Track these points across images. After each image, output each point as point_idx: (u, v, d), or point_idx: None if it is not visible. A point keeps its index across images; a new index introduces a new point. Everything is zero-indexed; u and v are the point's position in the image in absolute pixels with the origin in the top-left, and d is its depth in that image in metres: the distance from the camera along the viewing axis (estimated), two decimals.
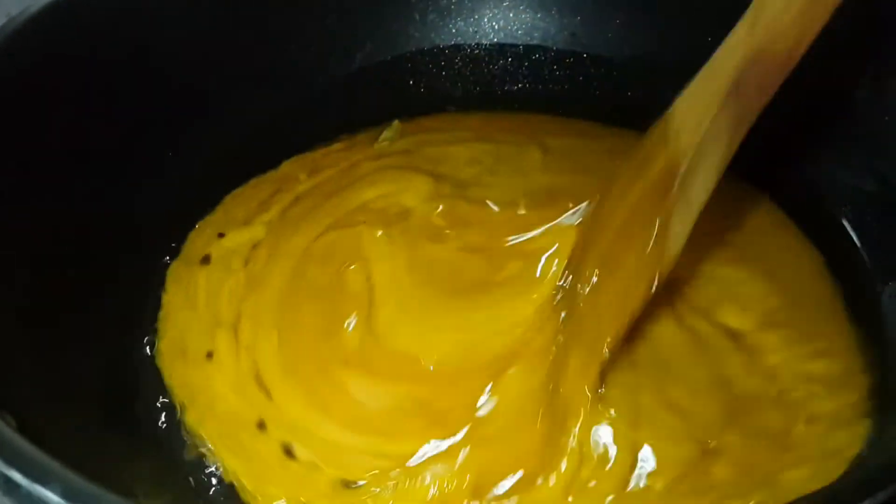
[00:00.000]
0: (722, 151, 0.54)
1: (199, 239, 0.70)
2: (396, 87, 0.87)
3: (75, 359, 0.59)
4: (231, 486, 0.55)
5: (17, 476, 0.38)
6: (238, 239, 0.69)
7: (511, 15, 0.88)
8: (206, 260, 0.68)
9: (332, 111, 0.83)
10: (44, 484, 0.38)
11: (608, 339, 0.56)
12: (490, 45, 0.88)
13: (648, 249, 0.55)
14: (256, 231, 0.69)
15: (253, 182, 0.75)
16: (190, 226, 0.72)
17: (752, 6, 0.51)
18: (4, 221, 0.59)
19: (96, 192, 0.67)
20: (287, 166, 0.77)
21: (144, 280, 0.68)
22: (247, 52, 0.80)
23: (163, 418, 0.59)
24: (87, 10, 0.68)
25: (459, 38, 0.88)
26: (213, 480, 0.56)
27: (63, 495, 0.38)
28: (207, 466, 0.57)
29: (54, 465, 0.39)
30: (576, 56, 0.87)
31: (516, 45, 0.88)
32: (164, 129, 0.74)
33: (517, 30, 0.88)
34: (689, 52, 0.80)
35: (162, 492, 0.55)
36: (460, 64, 0.88)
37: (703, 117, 0.53)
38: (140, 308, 0.66)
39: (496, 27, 0.89)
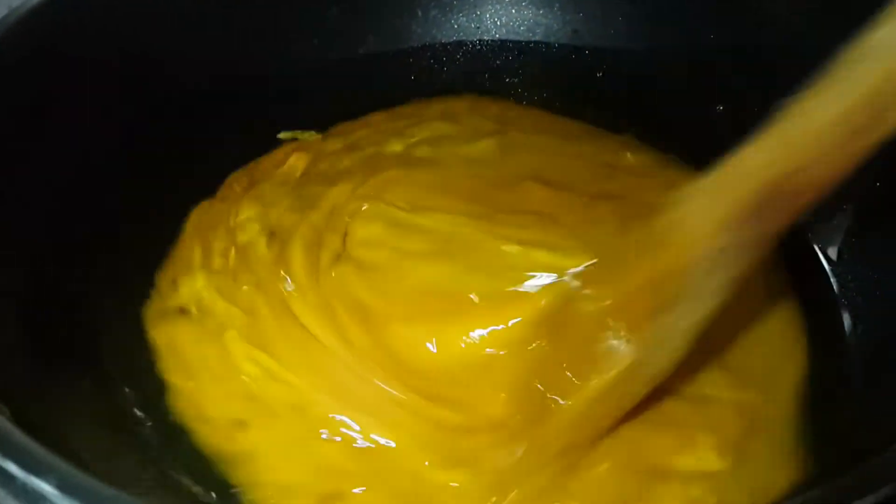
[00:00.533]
0: (729, 274, 0.49)
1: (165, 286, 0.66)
2: (397, 82, 0.86)
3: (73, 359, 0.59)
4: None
5: (12, 468, 0.38)
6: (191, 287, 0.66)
7: (513, 11, 0.88)
8: (183, 312, 0.64)
9: (329, 105, 0.83)
10: (39, 475, 0.38)
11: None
12: (492, 41, 0.88)
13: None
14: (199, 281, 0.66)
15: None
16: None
17: (773, 131, 0.46)
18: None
19: (91, 187, 0.66)
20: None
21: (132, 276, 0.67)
22: (245, 46, 0.80)
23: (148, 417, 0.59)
24: (91, 3, 0.68)
25: (461, 34, 0.88)
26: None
27: (59, 487, 0.37)
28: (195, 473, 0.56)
29: (50, 456, 0.39)
30: (578, 53, 0.86)
31: (518, 42, 0.88)
32: (161, 121, 0.73)
33: (519, 26, 0.88)
34: (691, 50, 0.81)
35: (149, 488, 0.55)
36: (462, 60, 0.88)
37: (714, 233, 0.48)
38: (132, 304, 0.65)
39: (498, 23, 0.88)
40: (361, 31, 0.86)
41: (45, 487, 0.37)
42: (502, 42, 0.88)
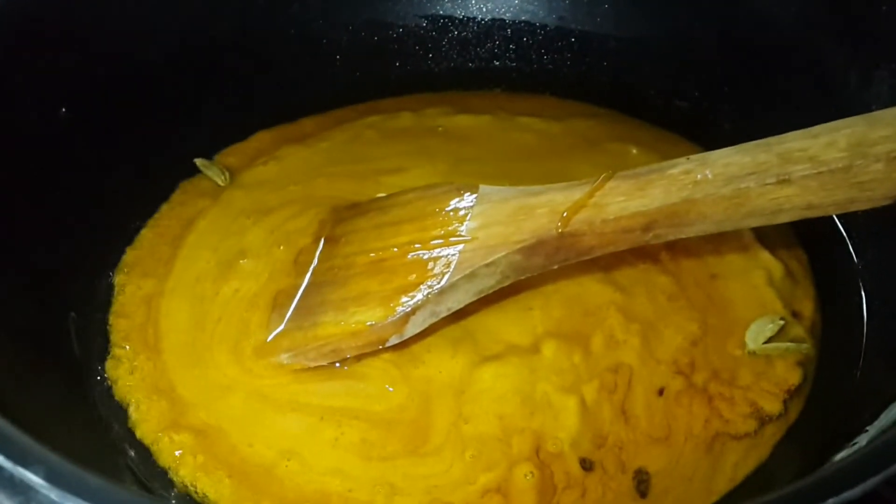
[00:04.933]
0: (489, 284, 0.56)
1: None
2: (382, 69, 0.86)
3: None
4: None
5: None
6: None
7: None
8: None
9: (312, 95, 0.83)
10: (27, 466, 0.38)
11: None
12: (478, 27, 0.88)
13: (385, 318, 0.56)
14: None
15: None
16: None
17: (585, 194, 0.53)
18: None
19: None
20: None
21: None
22: (226, 49, 0.79)
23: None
24: None
25: (447, 20, 0.88)
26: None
27: (46, 477, 0.37)
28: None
29: (37, 446, 0.39)
30: (564, 39, 0.86)
31: (504, 28, 0.88)
32: (142, 108, 0.73)
33: (505, 12, 0.88)
34: (676, 35, 0.81)
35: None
36: (447, 46, 0.88)
37: (492, 248, 0.55)
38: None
39: (484, 10, 0.88)
40: (346, 17, 0.85)
41: (33, 478, 0.37)
42: (488, 28, 0.88)
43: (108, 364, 0.62)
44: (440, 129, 0.78)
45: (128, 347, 0.63)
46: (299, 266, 0.64)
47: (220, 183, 0.74)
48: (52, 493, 0.37)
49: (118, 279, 0.67)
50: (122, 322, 0.64)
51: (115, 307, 0.66)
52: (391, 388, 0.58)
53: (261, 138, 0.79)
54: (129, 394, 0.60)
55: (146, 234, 0.71)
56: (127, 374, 0.61)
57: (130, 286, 0.67)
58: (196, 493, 0.55)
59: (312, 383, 0.59)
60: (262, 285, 0.64)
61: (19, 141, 0.63)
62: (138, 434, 0.58)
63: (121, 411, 0.59)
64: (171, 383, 0.60)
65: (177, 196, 0.74)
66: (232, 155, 0.78)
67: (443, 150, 0.75)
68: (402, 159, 0.74)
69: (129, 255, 0.69)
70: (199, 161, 0.75)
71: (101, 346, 0.63)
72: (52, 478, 0.37)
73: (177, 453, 0.56)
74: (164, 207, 0.73)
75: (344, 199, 0.69)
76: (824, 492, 0.36)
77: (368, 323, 0.57)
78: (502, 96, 0.85)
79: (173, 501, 0.55)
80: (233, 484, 0.55)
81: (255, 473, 0.55)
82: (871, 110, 0.48)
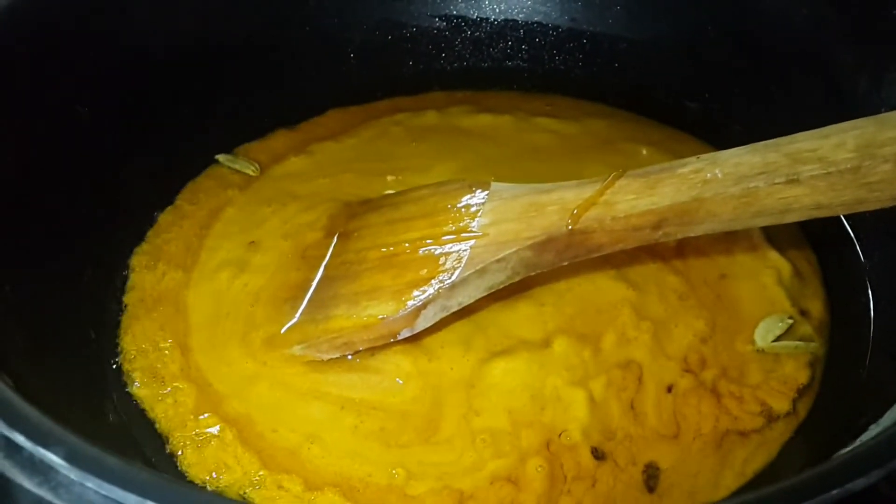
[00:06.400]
0: (499, 279, 0.57)
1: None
2: (395, 68, 0.87)
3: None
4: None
5: (20, 439, 0.38)
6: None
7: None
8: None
9: (326, 92, 0.84)
10: (47, 446, 0.38)
11: None
12: (491, 27, 0.88)
13: (398, 312, 0.57)
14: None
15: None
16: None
17: (595, 192, 0.53)
18: None
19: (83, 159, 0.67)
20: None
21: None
22: (241, 47, 0.80)
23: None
24: None
25: (461, 20, 0.88)
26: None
27: (66, 458, 0.38)
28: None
29: (57, 427, 0.39)
30: (576, 40, 0.87)
31: (517, 28, 0.88)
32: (149, 104, 0.74)
33: (518, 13, 0.88)
34: (686, 37, 0.82)
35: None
36: (460, 46, 0.88)
37: (503, 244, 0.56)
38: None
39: (497, 10, 0.89)
40: (359, 15, 0.86)
41: (54, 458, 0.38)
42: (501, 28, 0.88)
43: (131, 353, 0.63)
44: (464, 127, 0.79)
45: (152, 337, 0.63)
46: (308, 260, 0.65)
47: (250, 173, 0.75)
48: (72, 474, 0.38)
49: (141, 268, 0.68)
50: (149, 312, 0.65)
51: (140, 296, 0.66)
52: (406, 382, 0.59)
53: (286, 136, 0.80)
54: (152, 382, 0.61)
55: (174, 223, 0.72)
56: (150, 363, 0.62)
57: (166, 277, 0.67)
58: (219, 477, 0.56)
59: (331, 374, 0.60)
60: (267, 279, 0.65)
61: (43, 135, 0.64)
62: (160, 420, 0.59)
63: (142, 399, 0.60)
64: (201, 374, 0.61)
65: (205, 186, 0.75)
66: (262, 152, 0.79)
67: (466, 148, 0.76)
68: (426, 158, 0.75)
69: (154, 245, 0.70)
70: (221, 157, 0.76)
71: (124, 334, 0.64)
72: (72, 458, 0.38)
73: (205, 437, 0.57)
74: (190, 198, 0.74)
75: (367, 196, 0.70)
76: (828, 484, 0.36)
77: (380, 316, 0.57)
78: (518, 96, 0.85)
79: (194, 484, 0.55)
80: (259, 466, 0.56)
81: (280, 456, 0.56)
82: (880, 112, 0.49)
